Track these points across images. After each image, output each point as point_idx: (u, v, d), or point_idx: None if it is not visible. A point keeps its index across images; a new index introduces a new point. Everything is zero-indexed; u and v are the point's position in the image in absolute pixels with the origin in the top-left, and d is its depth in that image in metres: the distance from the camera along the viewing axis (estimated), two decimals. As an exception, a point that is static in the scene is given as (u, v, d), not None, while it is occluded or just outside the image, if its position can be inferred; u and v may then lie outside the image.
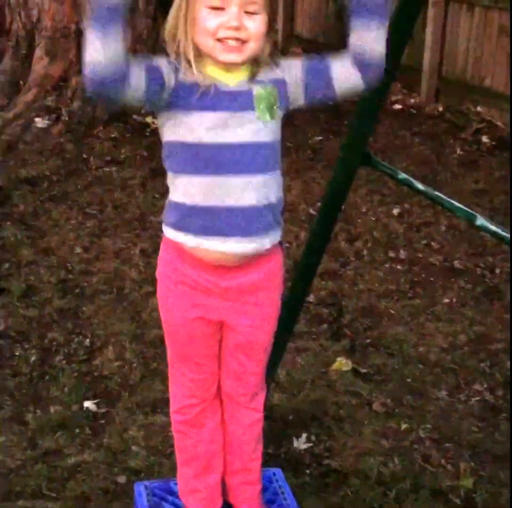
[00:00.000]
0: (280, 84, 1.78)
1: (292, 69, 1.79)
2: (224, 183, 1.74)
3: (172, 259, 1.85)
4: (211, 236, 1.77)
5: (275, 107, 1.77)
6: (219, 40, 1.68)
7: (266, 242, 1.81)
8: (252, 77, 1.76)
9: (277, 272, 1.92)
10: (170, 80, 1.71)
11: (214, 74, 1.74)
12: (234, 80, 1.75)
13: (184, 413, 2.01)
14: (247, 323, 1.89)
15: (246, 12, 1.67)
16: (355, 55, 1.74)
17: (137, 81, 1.64)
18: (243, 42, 1.69)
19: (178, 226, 1.80)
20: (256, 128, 1.74)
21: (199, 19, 1.68)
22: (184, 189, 1.76)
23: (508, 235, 1.74)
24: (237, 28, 1.67)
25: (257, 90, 1.75)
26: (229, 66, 1.74)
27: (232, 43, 1.68)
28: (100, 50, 1.57)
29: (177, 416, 2.03)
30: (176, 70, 1.72)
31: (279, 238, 1.88)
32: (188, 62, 1.72)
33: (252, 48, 1.70)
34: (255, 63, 1.76)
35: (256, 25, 1.69)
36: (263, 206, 1.78)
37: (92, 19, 1.58)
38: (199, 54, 1.73)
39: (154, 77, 1.68)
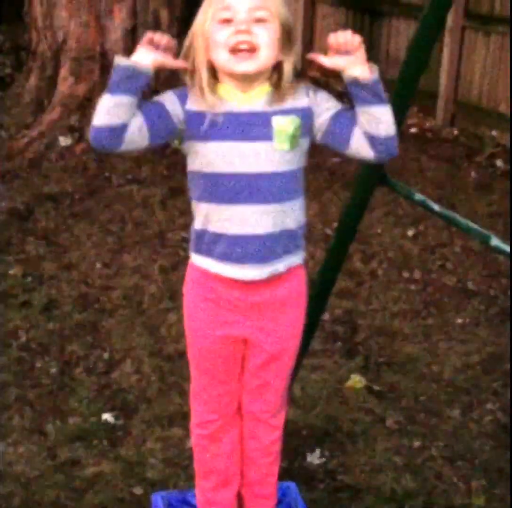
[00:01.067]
0: (305, 114, 1.77)
1: (324, 105, 1.78)
2: (240, 212, 1.76)
3: (199, 276, 1.88)
4: (230, 263, 1.80)
5: (296, 137, 1.75)
6: (232, 51, 1.68)
7: (280, 266, 1.84)
8: (273, 103, 1.74)
9: (301, 290, 1.94)
10: (176, 110, 1.74)
11: (229, 96, 1.74)
12: (250, 102, 1.74)
13: (204, 427, 2.03)
14: (271, 341, 1.91)
15: (256, 21, 1.68)
16: (363, 132, 1.75)
17: (132, 130, 1.70)
18: (254, 49, 1.68)
19: (201, 252, 1.85)
20: (273, 158, 1.74)
21: (211, 33, 1.70)
22: (204, 216, 1.80)
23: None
24: (245, 31, 1.67)
25: (276, 119, 1.74)
26: (245, 85, 1.73)
27: (243, 46, 1.68)
28: (102, 119, 1.68)
29: (198, 430, 2.05)
30: (183, 99, 1.75)
31: (299, 261, 1.90)
32: (201, 88, 1.73)
33: (264, 56, 1.70)
34: (274, 87, 1.75)
35: (265, 32, 1.69)
36: (280, 234, 1.80)
37: (110, 85, 1.69)
38: (214, 74, 1.75)
39: (153, 115, 1.72)
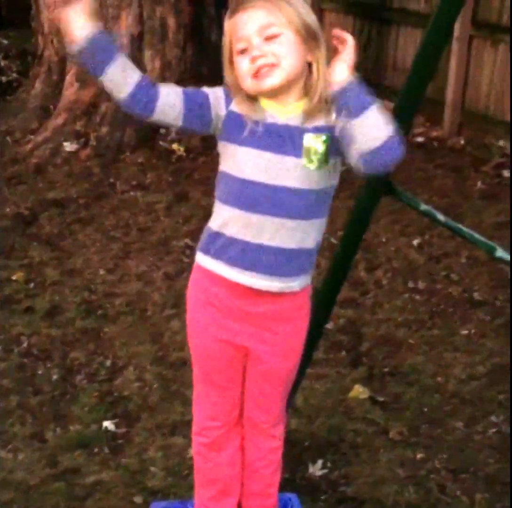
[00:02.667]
0: (334, 131, 1.75)
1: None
2: (260, 221, 1.76)
3: (203, 280, 1.88)
4: (240, 269, 1.80)
5: (326, 155, 1.73)
6: (253, 76, 1.70)
7: (294, 284, 1.84)
8: (309, 118, 1.74)
9: (305, 304, 1.93)
10: (218, 106, 1.76)
11: (269, 108, 1.76)
12: (286, 115, 1.75)
13: (205, 435, 2.03)
14: (270, 352, 1.91)
15: (268, 39, 1.69)
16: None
17: (168, 102, 1.73)
18: (274, 65, 1.69)
19: (210, 253, 1.84)
20: (300, 175, 1.74)
21: (236, 64, 1.73)
22: (224, 219, 1.80)
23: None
24: (259, 56, 1.69)
25: (307, 138, 1.73)
26: (279, 98, 1.74)
27: (264, 70, 1.69)
28: (115, 92, 1.72)
29: (199, 438, 2.05)
30: (229, 99, 1.77)
31: (309, 281, 1.89)
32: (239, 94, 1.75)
33: (286, 66, 1.70)
34: (309, 99, 1.74)
35: (280, 46, 1.69)
36: (296, 250, 1.79)
37: (90, 71, 1.71)
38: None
39: (194, 100, 1.75)
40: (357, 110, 1.63)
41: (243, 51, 1.72)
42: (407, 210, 4.46)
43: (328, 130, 1.74)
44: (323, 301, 2.38)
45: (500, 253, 1.84)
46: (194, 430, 2.07)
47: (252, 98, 1.76)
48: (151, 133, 5.41)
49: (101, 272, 3.86)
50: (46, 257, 3.97)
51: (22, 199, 4.62)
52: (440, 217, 2.01)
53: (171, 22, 5.50)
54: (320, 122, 1.75)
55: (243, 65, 1.72)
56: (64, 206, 4.58)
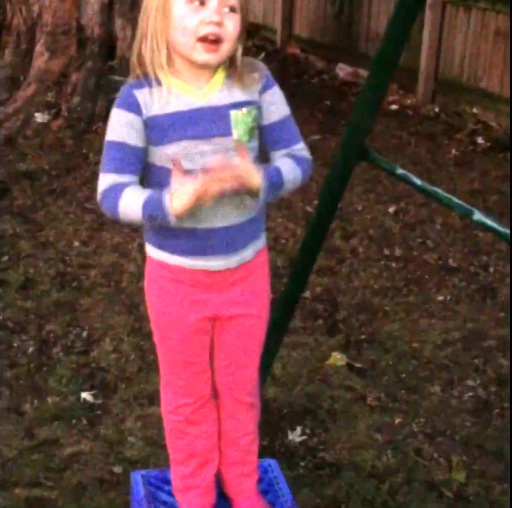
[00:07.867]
0: (258, 105, 1.74)
1: (273, 106, 1.76)
2: (209, 206, 1.68)
3: (160, 271, 1.84)
4: (193, 256, 1.77)
5: (254, 128, 1.72)
6: (200, 39, 1.62)
7: (248, 253, 1.82)
8: (229, 95, 1.70)
9: (264, 262, 1.92)
10: (139, 133, 1.68)
11: (183, 90, 1.68)
12: (205, 96, 1.70)
13: (179, 413, 1.97)
14: (242, 313, 1.88)
15: (227, 10, 1.63)
16: None
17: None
18: (220, 41, 1.63)
19: (160, 246, 1.80)
20: (235, 152, 1.68)
21: (178, 16, 1.62)
22: None
23: (505, 230, 1.77)
24: (218, 24, 1.61)
25: (234, 113, 1.69)
26: (199, 74, 1.68)
27: (211, 37, 1.62)
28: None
29: (172, 417, 1.99)
30: (136, 108, 1.67)
31: (264, 244, 1.88)
32: (155, 76, 1.66)
33: (226, 49, 1.65)
34: (228, 74, 1.71)
35: (233, 24, 1.64)
36: (245, 222, 1.77)
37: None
38: (169, 64, 1.67)
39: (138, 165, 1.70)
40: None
41: (194, 1, 1.61)
42: (382, 178, 4.48)
43: (251, 104, 1.72)
44: (299, 269, 2.38)
45: (478, 216, 1.84)
46: (166, 410, 2.00)
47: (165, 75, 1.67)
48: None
49: (75, 244, 3.82)
50: (19, 229, 3.92)
51: (-7, 171, 4.56)
52: (416, 181, 2.01)
53: (141, -11, 5.39)
54: (242, 97, 1.72)
55: (192, 21, 1.61)
56: (37, 178, 4.52)
